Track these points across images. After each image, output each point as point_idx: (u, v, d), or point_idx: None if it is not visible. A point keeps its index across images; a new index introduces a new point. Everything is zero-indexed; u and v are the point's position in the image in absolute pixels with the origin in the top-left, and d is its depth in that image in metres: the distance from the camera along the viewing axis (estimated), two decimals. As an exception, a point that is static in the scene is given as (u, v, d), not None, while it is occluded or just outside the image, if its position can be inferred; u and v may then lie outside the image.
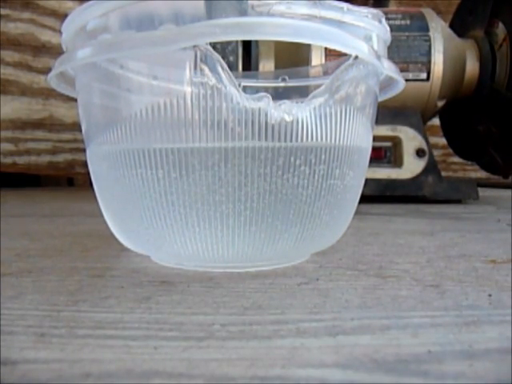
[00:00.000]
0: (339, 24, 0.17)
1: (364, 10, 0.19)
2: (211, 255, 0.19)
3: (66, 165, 0.96)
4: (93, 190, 0.22)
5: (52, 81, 0.21)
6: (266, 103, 0.17)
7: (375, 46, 0.19)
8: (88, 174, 0.22)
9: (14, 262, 0.22)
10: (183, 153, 0.17)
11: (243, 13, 0.17)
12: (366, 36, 0.19)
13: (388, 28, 0.21)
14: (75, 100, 0.22)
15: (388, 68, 0.19)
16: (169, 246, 0.19)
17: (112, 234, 0.22)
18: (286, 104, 0.18)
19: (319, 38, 0.16)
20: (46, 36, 0.91)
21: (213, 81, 0.17)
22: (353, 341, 0.12)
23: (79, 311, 0.15)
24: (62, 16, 0.86)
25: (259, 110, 0.17)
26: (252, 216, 0.18)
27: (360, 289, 0.17)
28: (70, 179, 1.03)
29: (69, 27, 0.20)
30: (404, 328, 0.13)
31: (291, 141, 0.18)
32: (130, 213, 0.20)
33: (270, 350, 0.12)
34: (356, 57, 0.18)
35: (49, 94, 0.92)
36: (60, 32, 0.21)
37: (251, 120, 0.17)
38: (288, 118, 0.17)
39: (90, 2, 0.18)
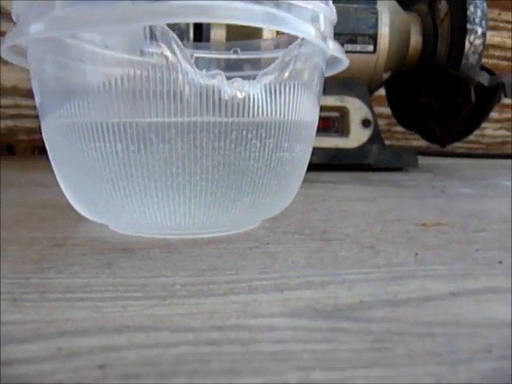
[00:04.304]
0: (288, 6, 0.18)
1: (311, -8, 0.20)
2: (169, 223, 0.20)
3: (7, 131, 0.91)
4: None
5: (4, 53, 0.21)
6: (219, 80, 0.18)
7: (322, 27, 0.21)
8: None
9: (-29, 233, 0.22)
10: (141, 127, 0.18)
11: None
12: (312, 17, 0.20)
13: (334, 9, 0.22)
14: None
15: (333, 49, 0.21)
16: (128, 216, 0.20)
17: (67, 205, 0.22)
18: (238, 81, 0.19)
19: (270, 21, 0.17)
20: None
21: (169, 57, 0.18)
22: (297, 295, 0.14)
23: (46, 278, 0.16)
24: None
25: (213, 86, 0.18)
26: (207, 186, 0.19)
27: (306, 251, 0.19)
28: (9, 147, 0.98)
29: (19, -2, 0.20)
30: (341, 283, 0.15)
31: (243, 116, 0.19)
32: (89, 185, 0.20)
33: (226, 305, 0.13)
34: (303, 37, 0.19)
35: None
36: None
37: (206, 96, 0.18)
38: (240, 95, 0.19)
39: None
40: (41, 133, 0.22)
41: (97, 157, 0.19)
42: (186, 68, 0.18)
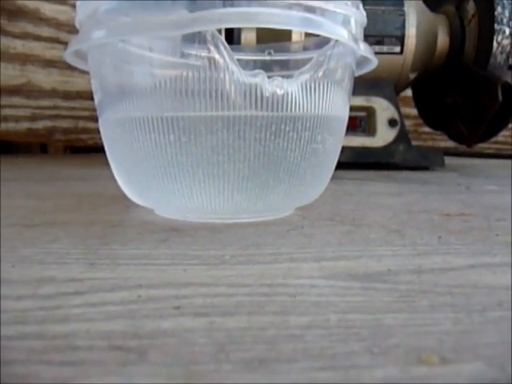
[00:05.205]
0: (323, 11, 0.21)
1: (344, -2, 0.22)
2: (213, 208, 0.23)
3: (45, 132, 0.96)
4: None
5: (68, 57, 0.24)
6: (261, 79, 0.21)
7: (353, 30, 0.23)
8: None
9: (35, 217, 0.25)
10: (192, 120, 0.21)
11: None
12: (344, 20, 0.22)
13: (364, 13, 0.24)
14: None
15: (363, 49, 0.22)
16: (177, 200, 0.23)
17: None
18: (277, 80, 0.21)
19: (307, 26, 0.19)
20: None
21: (216, 58, 0.20)
22: (333, 265, 0.16)
23: (113, 249, 0.18)
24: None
25: (256, 84, 0.20)
26: (249, 174, 0.22)
27: (338, 233, 0.21)
28: (42, 146, 1.02)
29: (82, 9, 0.23)
30: (371, 257, 0.17)
31: (282, 111, 0.21)
32: (143, 172, 0.23)
33: (272, 270, 0.15)
34: (336, 40, 0.21)
35: (26, 59, 0.91)
36: None
37: (249, 93, 0.20)
38: (279, 92, 0.21)
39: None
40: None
41: (151, 147, 0.22)
42: (232, 68, 0.20)
